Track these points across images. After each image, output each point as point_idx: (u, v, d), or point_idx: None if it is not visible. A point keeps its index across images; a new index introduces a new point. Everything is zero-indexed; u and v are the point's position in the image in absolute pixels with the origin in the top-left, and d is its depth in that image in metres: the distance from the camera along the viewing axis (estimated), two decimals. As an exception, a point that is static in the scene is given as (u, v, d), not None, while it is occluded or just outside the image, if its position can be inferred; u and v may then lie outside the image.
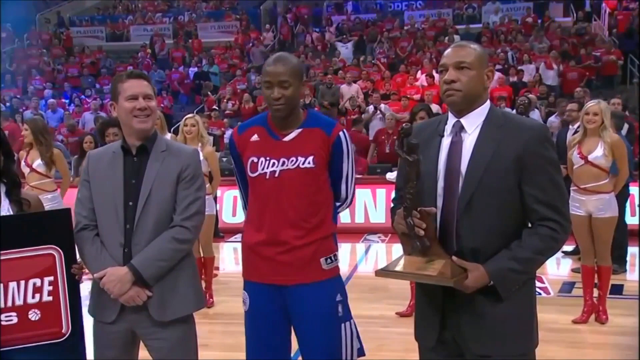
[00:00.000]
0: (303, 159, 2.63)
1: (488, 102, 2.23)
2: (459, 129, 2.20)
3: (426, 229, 2.11)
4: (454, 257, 2.10)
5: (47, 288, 2.43)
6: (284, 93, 2.57)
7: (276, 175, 2.64)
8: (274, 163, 2.64)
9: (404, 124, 2.16)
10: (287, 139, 2.67)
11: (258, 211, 2.71)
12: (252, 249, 2.72)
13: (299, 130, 2.68)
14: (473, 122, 2.18)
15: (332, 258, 2.71)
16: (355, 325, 2.77)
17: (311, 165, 2.63)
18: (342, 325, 2.71)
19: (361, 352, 2.80)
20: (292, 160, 2.63)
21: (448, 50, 2.24)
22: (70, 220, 2.52)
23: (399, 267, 2.20)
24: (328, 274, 2.69)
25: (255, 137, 2.70)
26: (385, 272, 2.24)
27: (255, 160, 2.67)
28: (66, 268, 2.47)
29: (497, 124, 2.16)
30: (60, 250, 2.46)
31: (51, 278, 2.44)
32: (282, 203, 2.63)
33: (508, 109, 10.68)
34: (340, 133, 2.71)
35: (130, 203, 2.51)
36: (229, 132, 13.70)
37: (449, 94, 2.18)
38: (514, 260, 2.08)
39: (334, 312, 2.69)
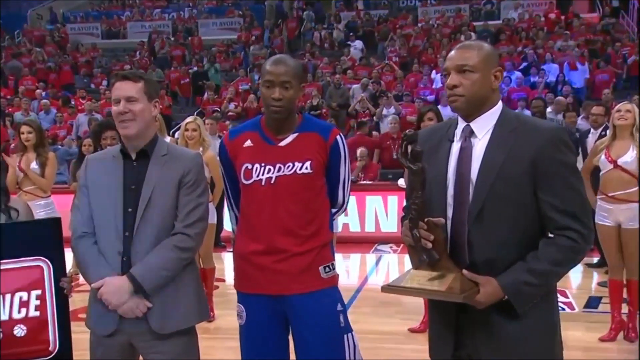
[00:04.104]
0: (300, 164, 2.66)
1: (500, 104, 2.21)
2: (468, 133, 2.19)
3: (434, 241, 2.09)
4: (464, 271, 2.07)
5: (34, 302, 2.43)
6: (284, 94, 2.61)
7: (272, 181, 2.66)
8: (269, 169, 2.67)
9: (407, 130, 2.16)
10: (282, 143, 2.70)
11: (252, 219, 2.72)
12: (246, 258, 2.73)
13: (295, 134, 2.70)
14: (483, 126, 2.17)
15: (331, 267, 2.76)
16: (355, 338, 2.79)
17: (308, 170, 2.66)
18: (345, 336, 2.73)
19: None
20: (289, 166, 2.66)
21: (451, 53, 2.24)
22: (61, 230, 2.51)
23: (405, 282, 2.16)
24: (327, 282, 2.72)
25: (248, 143, 2.72)
26: (391, 288, 2.20)
27: (250, 166, 2.69)
28: (55, 281, 2.46)
29: (510, 127, 2.14)
30: (49, 263, 2.46)
31: (39, 292, 2.43)
32: (278, 210, 2.65)
33: (527, 112, 10.64)
34: (338, 137, 2.76)
35: (130, 209, 2.52)
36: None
37: (452, 99, 2.18)
38: (530, 273, 2.05)
39: (335, 322, 2.72)
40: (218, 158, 2.86)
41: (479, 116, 2.17)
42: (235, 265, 2.82)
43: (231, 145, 2.76)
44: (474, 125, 2.18)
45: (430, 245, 2.09)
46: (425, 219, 2.09)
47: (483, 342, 2.13)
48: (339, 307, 2.75)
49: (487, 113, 2.17)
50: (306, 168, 2.66)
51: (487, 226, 2.08)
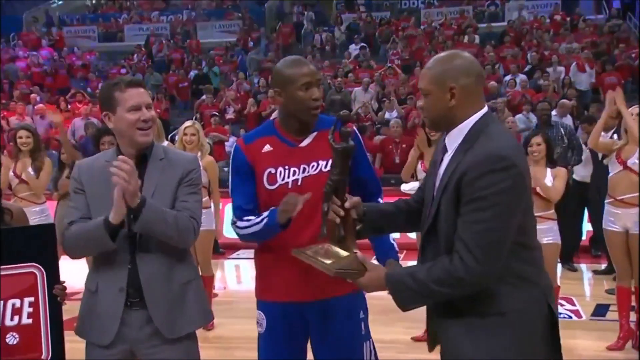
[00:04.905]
0: (324, 162, 2.66)
1: (473, 118, 2.17)
2: (442, 148, 2.24)
3: (344, 220, 2.27)
4: (358, 254, 2.22)
5: (26, 310, 2.43)
6: (321, 93, 2.65)
7: (299, 183, 2.66)
8: (294, 171, 2.67)
9: (341, 111, 2.37)
10: (303, 144, 2.70)
11: None
12: (272, 266, 2.71)
13: (314, 134, 2.71)
14: (452, 142, 2.19)
15: None
16: (374, 345, 2.82)
17: (328, 168, 2.62)
18: (365, 344, 2.77)
19: None
20: (313, 166, 2.67)
21: None
22: (54, 236, 2.50)
23: (308, 250, 2.35)
24: (353, 287, 2.66)
25: (267, 148, 2.71)
26: (297, 252, 2.40)
27: (273, 171, 2.68)
28: (48, 288, 2.46)
29: (468, 144, 2.13)
30: (42, 269, 2.45)
31: (31, 299, 2.44)
32: (306, 212, 2.60)
33: (532, 115, 10.64)
34: (355, 129, 2.79)
35: (132, 215, 2.51)
36: (231, 140, 13.71)
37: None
38: (411, 277, 2.11)
39: (357, 329, 2.75)
40: (231, 163, 2.79)
41: (450, 132, 2.21)
42: (260, 272, 2.80)
43: (248, 149, 2.73)
44: (447, 139, 2.22)
45: (338, 220, 2.27)
46: (344, 198, 2.28)
47: (443, 353, 2.21)
48: (362, 315, 2.78)
49: (456, 129, 2.18)
50: (325, 166, 2.65)
51: (436, 240, 2.15)
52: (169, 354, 2.55)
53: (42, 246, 2.47)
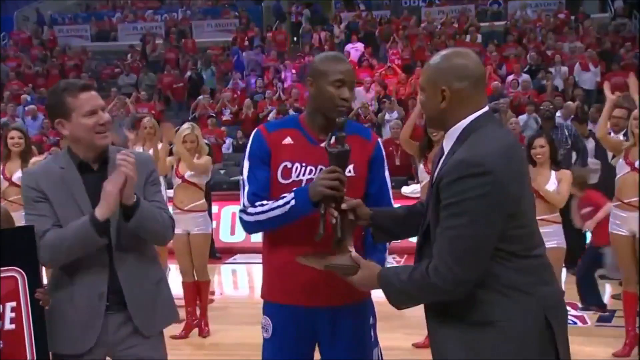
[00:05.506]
0: None
1: (466, 120, 2.12)
2: (440, 149, 2.24)
3: (342, 222, 2.35)
4: (352, 253, 2.28)
5: (9, 315, 2.41)
6: (351, 94, 2.63)
7: None
8: (310, 170, 2.62)
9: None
10: (325, 144, 2.63)
11: (290, 224, 2.63)
12: (281, 268, 2.67)
13: None
14: (447, 144, 2.18)
15: None
16: (381, 351, 2.83)
17: (352, 173, 2.61)
18: (374, 350, 2.77)
19: None
20: None
21: None
22: (34, 239, 2.47)
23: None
24: (365, 294, 2.67)
25: (288, 140, 2.67)
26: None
27: (289, 165, 2.63)
28: (30, 292, 2.44)
29: (456, 148, 2.11)
30: (23, 273, 2.44)
31: (13, 304, 2.42)
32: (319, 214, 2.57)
33: (535, 116, 10.63)
34: (379, 139, 2.78)
35: (124, 213, 2.53)
36: (228, 141, 13.71)
37: None
38: (398, 278, 2.14)
39: (367, 336, 2.75)
40: (249, 148, 2.71)
41: (447, 132, 2.18)
42: (268, 274, 2.76)
43: (270, 137, 2.68)
44: (444, 141, 2.21)
45: (334, 221, 2.33)
46: (342, 200, 2.36)
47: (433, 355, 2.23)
48: (372, 321, 2.78)
49: (451, 130, 2.16)
50: (349, 171, 2.58)
51: (430, 244, 2.12)
52: (144, 351, 2.63)
53: (21, 249, 2.44)
